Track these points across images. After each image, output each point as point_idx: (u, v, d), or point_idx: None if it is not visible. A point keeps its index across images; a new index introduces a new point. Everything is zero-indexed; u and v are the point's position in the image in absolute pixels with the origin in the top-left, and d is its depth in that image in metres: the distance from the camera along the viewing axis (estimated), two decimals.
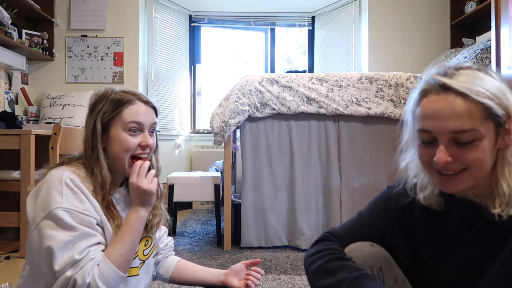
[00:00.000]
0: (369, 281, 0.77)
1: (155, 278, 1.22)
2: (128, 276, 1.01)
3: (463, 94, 0.70)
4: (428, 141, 0.75)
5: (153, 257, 1.16)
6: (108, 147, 1.00)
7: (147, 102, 1.05)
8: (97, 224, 0.93)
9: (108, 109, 0.99)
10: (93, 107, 1.01)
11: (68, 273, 0.84)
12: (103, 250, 0.93)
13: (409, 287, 0.90)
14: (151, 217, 1.10)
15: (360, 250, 0.88)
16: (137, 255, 1.07)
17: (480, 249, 0.79)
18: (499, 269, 0.75)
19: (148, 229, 1.09)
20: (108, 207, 0.96)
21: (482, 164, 0.72)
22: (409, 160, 0.89)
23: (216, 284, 1.17)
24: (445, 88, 0.72)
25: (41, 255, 0.87)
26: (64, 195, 0.89)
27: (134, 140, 1.00)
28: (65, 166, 0.98)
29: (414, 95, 0.79)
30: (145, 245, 1.11)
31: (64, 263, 0.84)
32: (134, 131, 1.00)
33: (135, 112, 1.00)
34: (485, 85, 0.71)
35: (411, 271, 0.90)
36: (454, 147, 0.72)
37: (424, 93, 0.75)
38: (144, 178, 0.99)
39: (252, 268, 1.20)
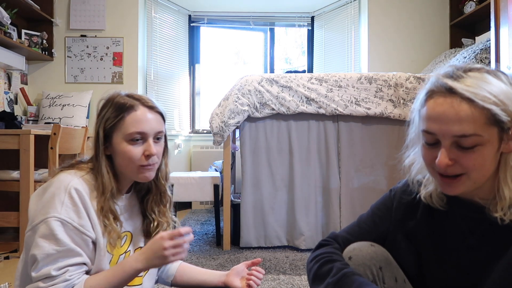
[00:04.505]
0: (350, 278, 0.78)
1: (156, 281, 1.21)
2: (131, 286, 1.01)
3: (468, 99, 0.69)
4: (431, 142, 0.76)
5: None
6: (113, 156, 0.99)
7: (152, 108, 0.99)
8: (92, 242, 0.92)
9: (110, 115, 0.96)
10: (99, 112, 0.99)
11: (41, 284, 0.85)
12: (87, 272, 0.92)
13: (410, 287, 0.90)
14: (156, 223, 1.08)
15: (360, 250, 0.88)
16: None
17: (482, 251, 0.79)
18: (502, 271, 0.74)
19: (155, 232, 1.08)
20: (106, 216, 0.94)
21: (481, 169, 0.72)
22: (413, 157, 0.88)
23: (218, 285, 1.17)
24: (451, 92, 0.71)
25: (28, 257, 0.88)
26: (65, 205, 0.88)
27: (136, 150, 0.96)
28: (75, 171, 0.96)
29: (421, 95, 0.78)
30: None
31: (40, 274, 0.85)
32: (136, 140, 0.96)
33: (137, 120, 0.95)
34: (492, 90, 0.70)
35: (412, 274, 0.90)
36: (456, 150, 0.72)
37: (430, 94, 0.75)
38: (173, 248, 0.91)
39: (253, 268, 1.20)
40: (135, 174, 0.98)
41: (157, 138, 1.01)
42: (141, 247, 1.08)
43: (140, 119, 0.96)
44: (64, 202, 0.88)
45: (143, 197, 1.10)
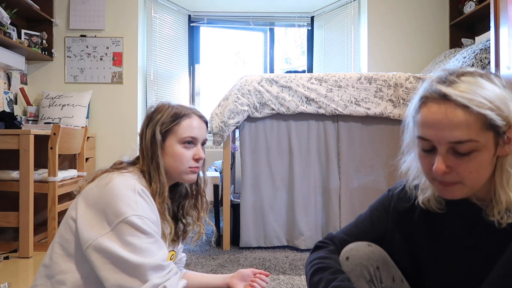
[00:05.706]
0: None
1: None
2: None
3: (463, 105, 0.69)
4: (427, 149, 0.75)
5: None
6: (162, 157, 1.05)
7: (201, 117, 1.12)
8: None
9: (166, 120, 1.06)
10: (150, 118, 1.07)
11: (156, 280, 0.86)
12: None
13: (407, 287, 0.90)
14: (185, 227, 1.17)
15: (357, 250, 0.88)
16: None
17: (480, 252, 0.79)
18: (499, 272, 0.74)
19: (182, 236, 1.16)
20: (163, 213, 1.01)
21: (478, 176, 0.72)
22: (409, 162, 0.88)
23: (221, 286, 1.22)
24: (445, 98, 0.70)
25: (112, 260, 0.86)
26: (139, 203, 0.92)
27: (188, 153, 1.07)
28: (130, 174, 0.99)
29: (415, 101, 0.77)
30: (170, 259, 1.14)
31: (147, 266, 0.86)
32: (189, 143, 1.07)
33: (191, 126, 1.07)
34: (486, 95, 0.69)
35: (410, 273, 0.90)
36: (453, 157, 0.72)
37: (424, 101, 0.74)
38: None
39: (257, 274, 1.23)
40: (182, 175, 1.07)
41: (202, 144, 1.12)
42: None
43: (194, 126, 1.08)
44: (137, 201, 0.92)
45: (178, 201, 1.18)
